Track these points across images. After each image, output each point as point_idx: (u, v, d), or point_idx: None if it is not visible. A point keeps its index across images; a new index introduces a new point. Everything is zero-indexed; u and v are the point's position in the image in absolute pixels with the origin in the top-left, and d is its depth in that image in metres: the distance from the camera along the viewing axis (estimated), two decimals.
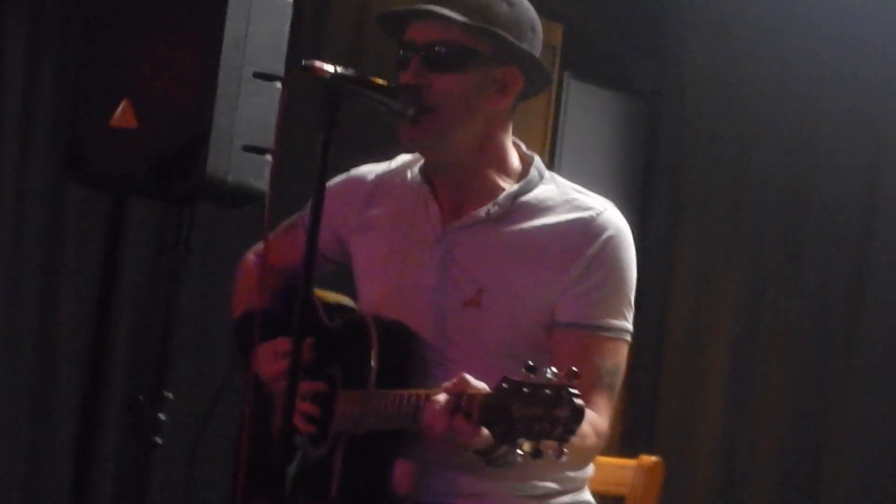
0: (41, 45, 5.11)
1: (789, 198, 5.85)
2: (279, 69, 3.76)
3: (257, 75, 3.72)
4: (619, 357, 3.02)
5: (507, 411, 2.52)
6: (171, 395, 3.80)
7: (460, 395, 2.66)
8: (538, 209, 3.06)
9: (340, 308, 3.23)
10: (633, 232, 3.07)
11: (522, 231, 3.04)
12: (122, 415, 5.19)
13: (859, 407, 5.55)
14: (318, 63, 2.86)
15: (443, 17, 2.99)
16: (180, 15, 3.74)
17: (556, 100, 6.05)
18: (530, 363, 2.54)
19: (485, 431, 2.61)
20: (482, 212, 3.05)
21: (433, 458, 2.96)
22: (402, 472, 2.98)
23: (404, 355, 2.99)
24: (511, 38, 3.02)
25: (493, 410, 2.57)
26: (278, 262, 3.23)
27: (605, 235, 3.01)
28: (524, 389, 2.52)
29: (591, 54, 6.21)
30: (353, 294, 3.23)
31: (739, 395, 5.84)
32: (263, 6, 3.75)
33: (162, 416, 3.80)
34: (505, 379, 2.56)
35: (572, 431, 2.48)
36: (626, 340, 3.03)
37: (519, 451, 2.53)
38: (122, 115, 3.73)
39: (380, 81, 2.97)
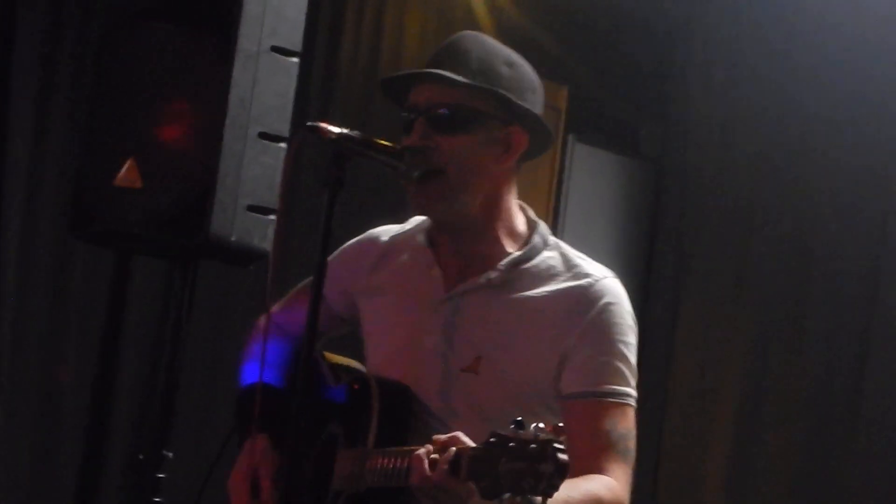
0: (49, 104, 5.14)
1: (794, 264, 5.84)
2: (284, 130, 3.77)
3: (262, 136, 3.73)
4: (628, 422, 2.99)
5: (494, 465, 2.52)
6: (170, 455, 3.78)
7: (447, 448, 2.66)
8: (539, 277, 3.05)
9: (348, 370, 3.22)
10: (636, 295, 3.06)
11: (523, 299, 3.04)
12: (125, 474, 5.17)
13: (862, 475, 5.52)
14: (323, 124, 2.86)
15: (445, 78, 3.01)
16: (186, 75, 3.76)
17: (561, 162, 6.06)
18: (519, 419, 2.54)
19: (473, 487, 2.59)
20: (483, 279, 3.05)
21: None
22: None
23: (404, 416, 2.98)
24: (513, 98, 3.03)
25: (480, 464, 2.57)
26: (292, 326, 3.22)
27: (601, 303, 3.00)
28: (510, 444, 2.52)
29: (596, 117, 6.22)
30: (361, 358, 3.23)
31: (742, 464, 5.80)
32: (269, 67, 3.76)
33: (162, 476, 3.78)
34: (493, 434, 2.56)
35: (555, 486, 2.47)
36: (632, 406, 3.00)
37: None
38: (127, 174, 3.74)
39: (385, 143, 2.97)
